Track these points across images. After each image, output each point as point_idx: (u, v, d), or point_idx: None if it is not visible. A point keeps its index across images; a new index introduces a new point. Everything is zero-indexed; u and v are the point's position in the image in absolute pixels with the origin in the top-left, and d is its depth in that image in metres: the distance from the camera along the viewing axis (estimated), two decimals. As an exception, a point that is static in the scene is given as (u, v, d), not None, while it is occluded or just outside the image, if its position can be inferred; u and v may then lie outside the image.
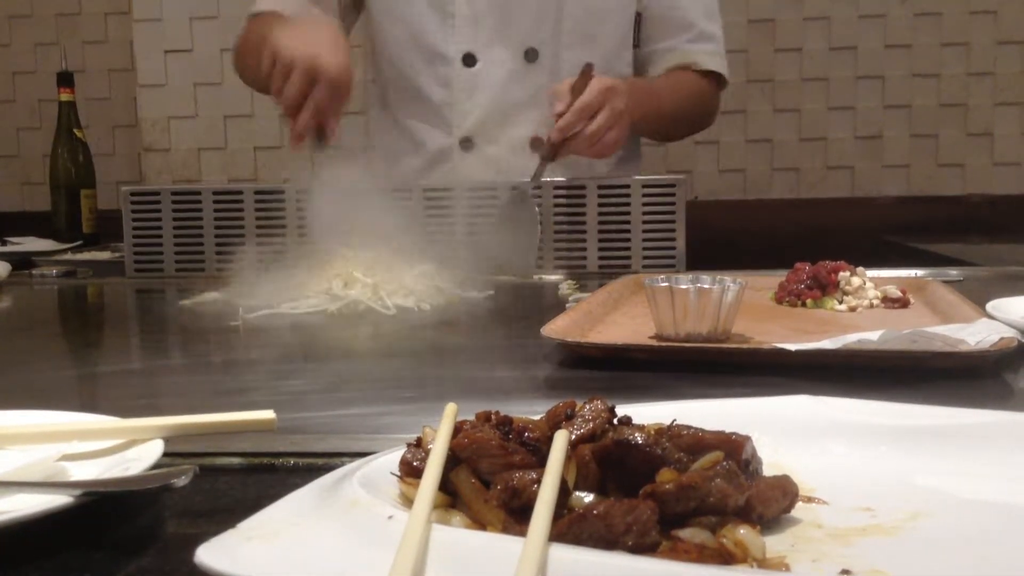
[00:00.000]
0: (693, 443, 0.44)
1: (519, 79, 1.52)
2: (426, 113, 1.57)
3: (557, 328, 0.85)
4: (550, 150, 1.35)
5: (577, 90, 1.33)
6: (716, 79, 1.60)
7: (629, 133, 1.42)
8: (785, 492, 0.43)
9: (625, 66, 1.58)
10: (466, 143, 1.55)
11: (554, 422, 0.46)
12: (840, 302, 1.05)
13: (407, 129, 1.59)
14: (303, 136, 1.25)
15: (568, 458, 0.42)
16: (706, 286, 0.84)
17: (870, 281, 1.08)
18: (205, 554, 0.36)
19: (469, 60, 1.52)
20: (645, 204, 1.42)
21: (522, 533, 0.36)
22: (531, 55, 1.51)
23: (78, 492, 0.45)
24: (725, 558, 0.37)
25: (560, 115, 1.33)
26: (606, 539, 0.37)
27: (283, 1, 1.50)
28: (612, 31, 1.56)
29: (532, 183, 1.37)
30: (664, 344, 0.84)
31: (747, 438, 0.45)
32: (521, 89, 1.52)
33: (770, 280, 1.14)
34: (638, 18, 1.58)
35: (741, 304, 0.86)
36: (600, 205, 1.43)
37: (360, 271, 1.16)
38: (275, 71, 1.25)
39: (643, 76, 1.60)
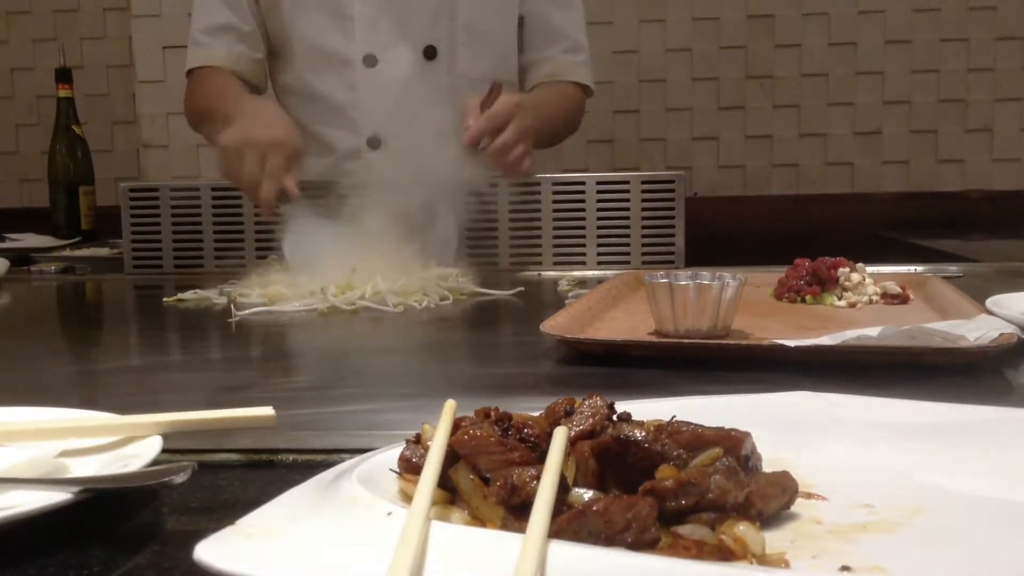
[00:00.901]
0: (692, 439, 0.44)
1: (420, 76, 1.55)
2: (333, 117, 1.59)
3: (556, 324, 0.85)
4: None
5: (485, 105, 1.36)
6: (583, 89, 1.65)
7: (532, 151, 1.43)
8: (784, 488, 0.43)
9: (512, 69, 1.62)
10: (373, 142, 1.58)
11: (553, 419, 0.46)
12: (840, 298, 1.05)
13: (315, 135, 1.60)
14: (271, 204, 1.31)
15: (567, 454, 0.42)
16: (705, 282, 0.84)
17: (869, 277, 1.08)
18: (204, 551, 0.36)
19: (370, 61, 1.55)
20: (644, 200, 1.42)
21: (521, 530, 0.36)
22: (430, 52, 1.55)
23: (77, 488, 0.45)
24: (724, 554, 0.37)
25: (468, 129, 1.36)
26: (605, 535, 0.37)
27: (213, 52, 1.58)
28: (501, 31, 1.60)
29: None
30: (663, 340, 0.84)
31: (746, 434, 0.45)
32: (423, 86, 1.55)
33: (770, 276, 1.14)
34: (521, 22, 1.62)
35: (740, 300, 0.86)
36: (599, 201, 1.42)
37: (360, 270, 1.17)
38: (228, 159, 1.31)
39: (522, 85, 1.64)
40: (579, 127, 1.73)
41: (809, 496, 0.45)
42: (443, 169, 1.35)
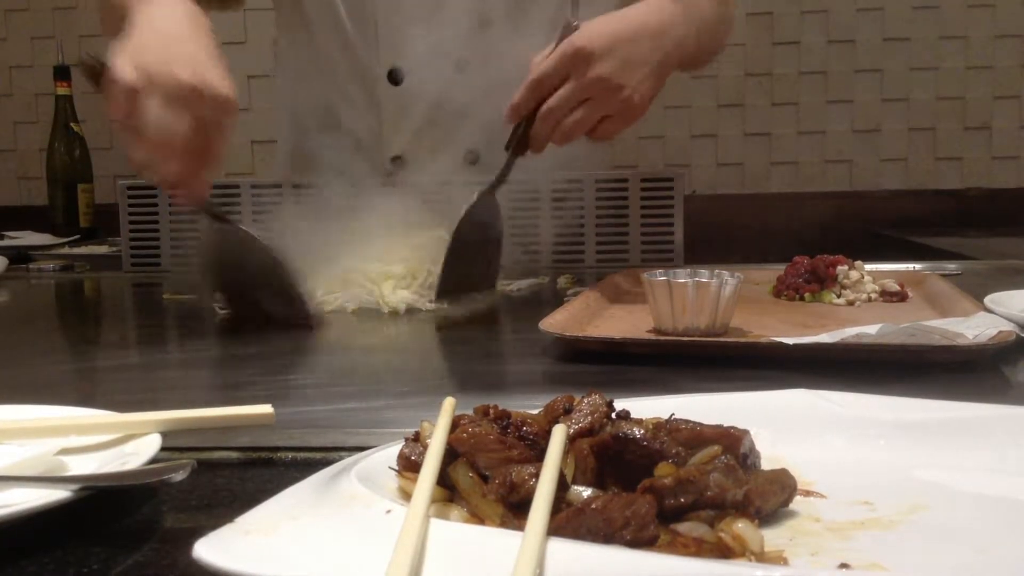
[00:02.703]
0: (691, 437, 0.44)
1: (450, 91, 1.34)
2: (357, 137, 1.42)
3: (555, 322, 0.85)
4: (515, 141, 1.11)
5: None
6: None
7: (655, 88, 1.11)
8: (783, 486, 0.43)
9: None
10: (397, 162, 1.43)
11: (552, 416, 0.46)
12: (838, 296, 1.05)
13: (338, 167, 1.32)
14: (201, 200, 1.00)
15: (566, 452, 0.42)
16: (704, 280, 0.84)
17: (868, 275, 1.08)
18: (203, 548, 0.36)
19: (395, 76, 1.38)
20: (643, 198, 1.42)
21: (520, 527, 0.36)
22: (462, 65, 1.34)
23: (76, 486, 0.45)
24: (723, 552, 0.37)
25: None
26: (604, 533, 0.37)
27: None
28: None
29: (496, 184, 1.14)
30: (662, 338, 0.84)
31: (745, 432, 0.45)
32: (453, 102, 1.34)
33: (768, 274, 1.14)
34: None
35: (739, 298, 0.86)
36: (598, 199, 1.42)
37: (360, 268, 1.17)
38: (122, 97, 0.90)
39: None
40: (725, 42, 1.34)
41: (808, 494, 0.45)
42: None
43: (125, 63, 0.89)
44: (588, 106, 1.07)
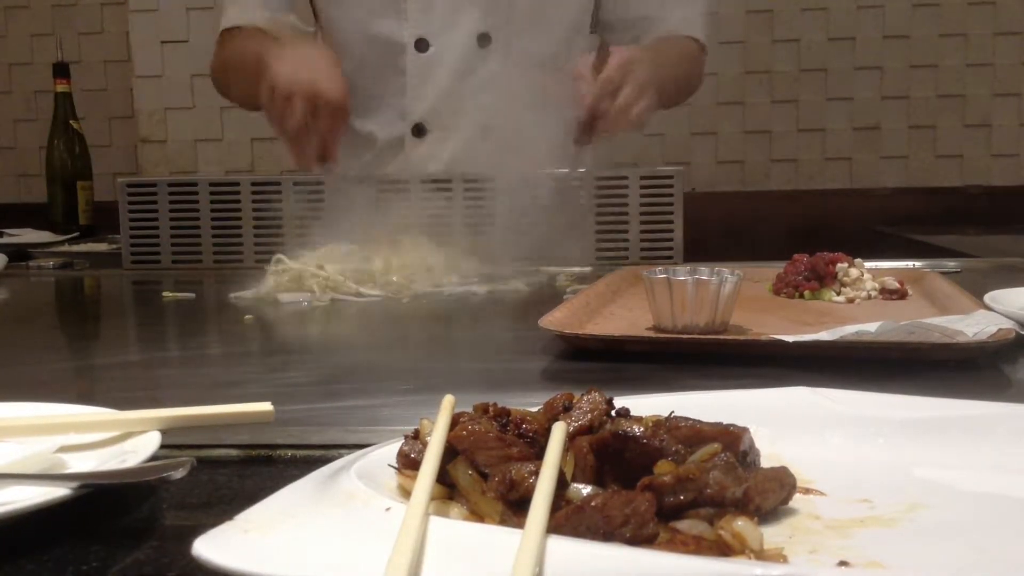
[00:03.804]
0: (691, 435, 0.44)
1: (471, 64, 1.50)
2: (377, 106, 1.55)
3: (555, 320, 0.85)
4: (582, 133, 1.33)
5: (598, 68, 1.31)
6: (700, 46, 1.58)
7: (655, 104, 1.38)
8: (783, 484, 0.43)
9: (579, 53, 1.52)
10: (417, 130, 1.54)
11: (552, 414, 0.46)
12: (838, 293, 1.05)
13: (357, 127, 1.54)
14: (311, 164, 1.29)
15: (566, 450, 0.42)
16: (704, 278, 0.84)
17: (868, 272, 1.08)
18: (202, 546, 0.36)
19: (422, 45, 1.50)
20: (643, 196, 1.42)
21: (520, 525, 0.36)
22: (484, 40, 1.49)
23: (75, 484, 0.45)
24: (723, 550, 0.37)
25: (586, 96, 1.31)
26: (604, 531, 0.37)
27: (253, 11, 1.50)
28: (566, 16, 1.54)
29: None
30: (662, 336, 0.84)
31: (745, 430, 0.45)
32: (473, 74, 1.50)
33: (768, 271, 1.14)
34: (597, 2, 1.55)
35: (739, 296, 0.86)
36: (597, 197, 1.42)
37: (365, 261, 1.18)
38: (274, 101, 1.26)
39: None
40: (700, 86, 1.67)
41: (807, 491, 0.45)
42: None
43: (275, 74, 1.27)
44: (642, 101, 1.32)
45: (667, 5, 1.55)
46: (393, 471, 0.45)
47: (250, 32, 1.47)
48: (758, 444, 0.46)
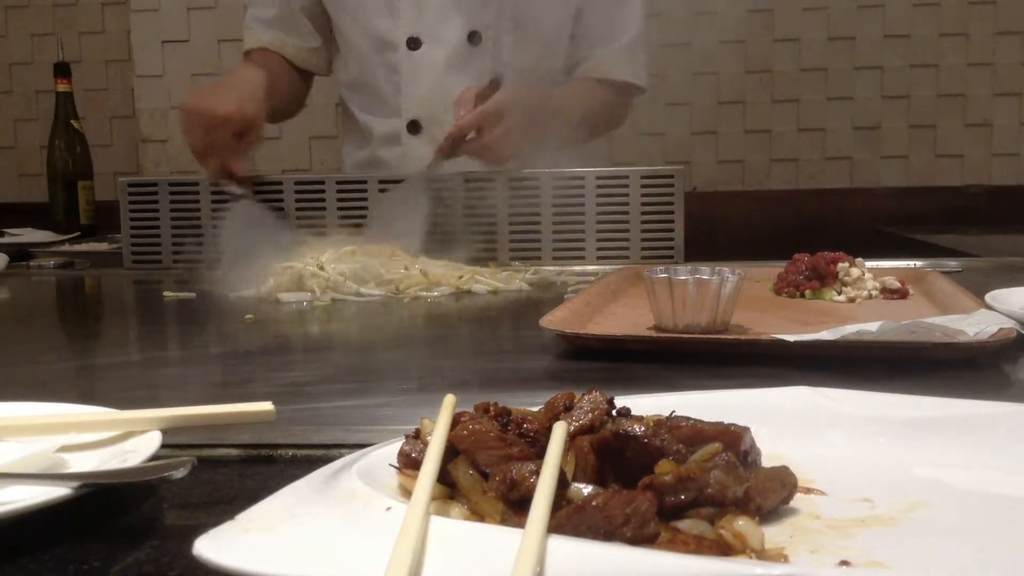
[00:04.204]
0: (692, 434, 0.44)
1: (462, 62, 1.55)
2: (376, 102, 1.62)
3: (556, 319, 0.85)
4: (446, 147, 1.40)
5: (482, 98, 1.38)
6: (634, 87, 1.64)
7: (524, 147, 1.43)
8: (784, 483, 0.43)
9: (558, 59, 1.60)
10: (413, 126, 1.59)
11: (553, 413, 0.46)
12: (839, 293, 1.05)
13: (361, 121, 1.65)
14: (217, 177, 1.42)
15: (567, 449, 0.42)
16: (705, 277, 0.84)
17: (869, 272, 1.08)
18: (203, 546, 0.36)
19: (413, 44, 1.55)
20: (644, 195, 1.42)
21: (520, 525, 0.36)
22: (474, 38, 1.54)
23: (76, 484, 0.45)
24: (724, 549, 0.37)
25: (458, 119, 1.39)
26: (604, 530, 0.37)
27: (264, 36, 1.63)
28: (551, 20, 1.58)
29: (427, 173, 1.42)
30: (663, 335, 0.84)
31: (746, 429, 0.45)
32: (464, 72, 1.54)
33: (769, 271, 1.14)
34: (578, 15, 1.59)
35: (740, 295, 0.86)
36: (598, 196, 1.42)
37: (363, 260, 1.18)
38: (185, 131, 1.40)
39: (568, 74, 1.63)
40: (622, 123, 1.73)
41: (808, 491, 0.45)
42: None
43: (189, 99, 1.43)
44: (503, 147, 1.40)
45: (604, 44, 1.59)
46: (394, 471, 0.45)
47: (264, 54, 1.62)
48: (759, 444, 0.46)
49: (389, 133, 1.61)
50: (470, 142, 1.39)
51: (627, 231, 1.42)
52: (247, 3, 1.67)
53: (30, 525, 0.43)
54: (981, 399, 0.53)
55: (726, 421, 0.46)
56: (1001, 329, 0.75)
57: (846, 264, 1.07)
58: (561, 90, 1.58)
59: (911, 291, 1.07)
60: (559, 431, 0.43)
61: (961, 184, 2.54)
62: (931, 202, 2.49)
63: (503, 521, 0.40)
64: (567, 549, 0.35)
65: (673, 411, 0.47)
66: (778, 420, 0.51)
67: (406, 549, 0.35)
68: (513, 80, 1.47)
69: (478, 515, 0.41)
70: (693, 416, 0.46)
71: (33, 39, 2.74)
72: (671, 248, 1.41)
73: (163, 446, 0.52)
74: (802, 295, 1.06)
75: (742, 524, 0.38)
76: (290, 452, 0.57)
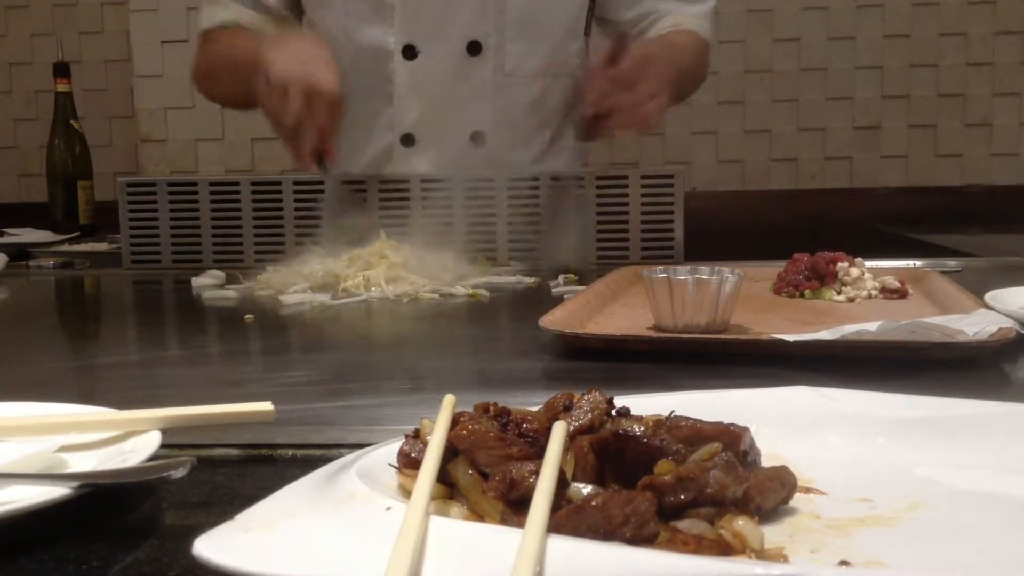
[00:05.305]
0: (691, 434, 0.44)
1: (462, 73, 1.44)
2: (364, 116, 1.48)
3: (555, 319, 0.85)
4: (585, 129, 1.31)
5: (610, 63, 1.27)
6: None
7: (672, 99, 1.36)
8: (783, 483, 0.43)
9: (572, 57, 1.50)
10: (407, 140, 1.48)
11: (552, 413, 0.46)
12: (838, 293, 1.05)
13: (345, 137, 1.42)
14: (311, 160, 1.25)
15: (566, 449, 0.42)
16: (704, 277, 0.84)
17: (868, 272, 1.08)
18: (203, 545, 0.36)
19: (409, 53, 1.44)
20: (643, 195, 1.42)
21: (520, 524, 0.36)
22: (474, 48, 1.44)
23: (76, 484, 0.45)
24: (723, 549, 0.37)
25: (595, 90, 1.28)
26: (604, 530, 0.37)
27: (233, 11, 1.46)
28: (560, 21, 1.48)
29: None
30: (662, 335, 0.84)
31: (745, 429, 0.45)
32: (465, 82, 1.45)
33: (768, 271, 1.14)
34: (591, 5, 1.51)
35: (739, 295, 0.86)
36: (598, 196, 1.42)
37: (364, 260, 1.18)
38: (271, 96, 1.23)
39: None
40: (705, 79, 1.62)
41: (808, 491, 0.45)
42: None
43: (271, 69, 1.23)
44: (656, 100, 1.28)
45: (683, 5, 1.51)
46: (394, 470, 0.45)
47: (235, 30, 1.44)
48: (758, 443, 0.46)
49: (379, 149, 1.49)
50: (611, 113, 1.26)
51: (627, 231, 1.42)
52: None
53: (30, 525, 0.43)
54: (981, 399, 0.53)
55: (726, 421, 0.46)
56: (1000, 329, 0.75)
57: (846, 264, 1.07)
58: (667, 42, 1.47)
59: (911, 291, 1.07)
60: (559, 431, 0.43)
61: (961, 184, 2.54)
62: (931, 202, 2.49)
63: (503, 521, 0.40)
64: (567, 549, 0.35)
65: (673, 411, 0.47)
66: (778, 420, 0.51)
67: (406, 549, 0.35)
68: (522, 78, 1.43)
69: (478, 515, 0.41)
70: (693, 416, 0.46)
71: (33, 39, 2.74)
72: (671, 248, 1.41)
73: (163, 446, 0.52)
74: (802, 295, 1.06)
75: (742, 524, 0.38)
76: (290, 452, 0.57)
